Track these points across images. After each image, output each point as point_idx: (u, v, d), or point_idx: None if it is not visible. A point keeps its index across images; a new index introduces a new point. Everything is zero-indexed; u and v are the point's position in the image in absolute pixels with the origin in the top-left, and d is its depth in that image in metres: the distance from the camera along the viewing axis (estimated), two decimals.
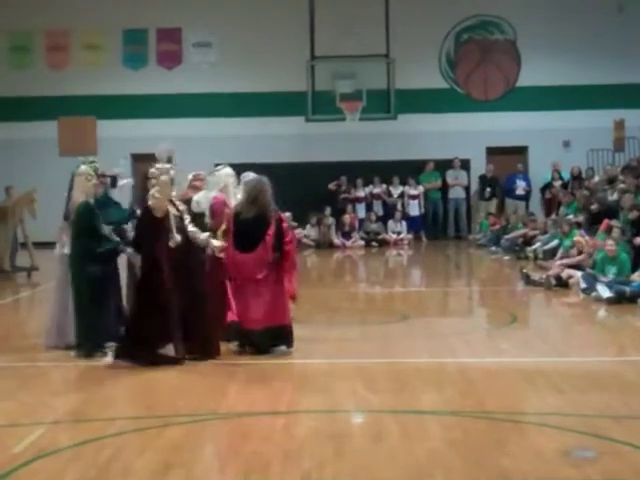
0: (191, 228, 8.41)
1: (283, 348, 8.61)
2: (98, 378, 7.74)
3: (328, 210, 21.66)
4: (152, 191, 8.10)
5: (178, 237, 8.12)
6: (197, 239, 8.43)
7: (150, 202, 8.14)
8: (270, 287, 8.49)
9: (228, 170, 9.24)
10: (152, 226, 8.09)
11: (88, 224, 8.44)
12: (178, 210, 8.32)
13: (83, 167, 8.64)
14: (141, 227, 8.31)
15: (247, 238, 8.44)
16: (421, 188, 22.22)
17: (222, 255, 8.58)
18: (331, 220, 21.68)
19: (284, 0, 22.01)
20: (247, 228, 8.45)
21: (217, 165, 9.68)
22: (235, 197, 8.94)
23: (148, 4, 22.31)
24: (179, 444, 5.94)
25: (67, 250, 8.68)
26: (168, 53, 22.90)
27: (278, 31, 22.02)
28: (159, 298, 7.90)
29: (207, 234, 8.56)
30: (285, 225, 8.68)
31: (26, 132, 21.92)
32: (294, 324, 9.69)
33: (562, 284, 13.04)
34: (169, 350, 7.94)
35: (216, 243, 8.56)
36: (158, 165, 8.37)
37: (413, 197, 22.23)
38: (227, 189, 9.01)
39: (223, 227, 8.64)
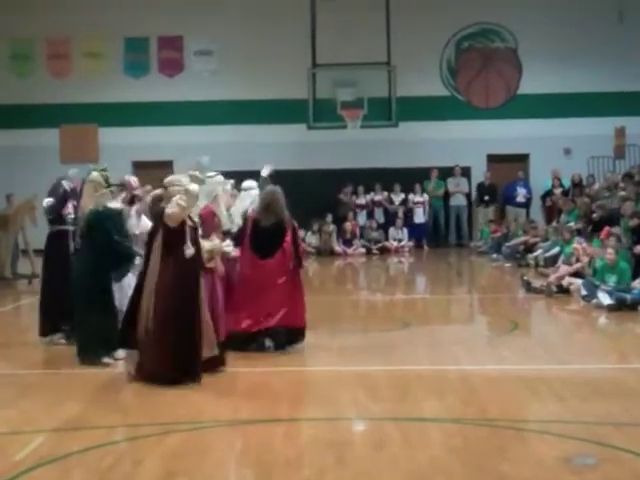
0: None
1: (299, 345, 9.11)
2: (99, 386, 7.74)
3: (329, 217, 21.67)
4: (176, 198, 7.67)
5: (192, 249, 7.68)
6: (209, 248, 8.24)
7: (170, 210, 7.64)
8: (289, 291, 9.00)
9: (219, 178, 8.96)
10: (168, 235, 7.68)
11: (99, 232, 8.28)
12: (193, 222, 7.86)
13: (94, 174, 8.53)
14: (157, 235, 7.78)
15: (266, 244, 8.89)
16: (426, 196, 22.21)
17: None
18: (332, 227, 21.68)
19: (285, 8, 22.04)
20: (266, 235, 8.88)
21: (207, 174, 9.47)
22: (223, 205, 8.85)
23: (149, 12, 22.34)
24: (180, 452, 5.94)
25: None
26: (169, 61, 22.94)
27: (279, 39, 22.06)
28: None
29: (217, 241, 8.30)
30: (299, 233, 9.08)
31: (27, 140, 21.95)
32: None
33: (563, 291, 13.07)
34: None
35: (229, 249, 8.57)
36: (192, 172, 8.28)
37: (418, 204, 22.21)
38: (217, 198, 8.68)
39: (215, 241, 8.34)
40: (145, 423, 6.51)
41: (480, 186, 22.43)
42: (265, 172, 10.21)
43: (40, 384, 7.90)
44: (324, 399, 7.22)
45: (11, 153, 21.92)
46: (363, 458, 5.72)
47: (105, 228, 8.29)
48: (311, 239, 21.52)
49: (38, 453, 5.82)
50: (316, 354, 9.13)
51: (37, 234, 15.58)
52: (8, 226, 15.82)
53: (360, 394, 7.34)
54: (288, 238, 8.99)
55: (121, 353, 8.36)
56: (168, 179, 8.01)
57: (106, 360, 8.42)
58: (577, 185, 20.85)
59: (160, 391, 7.53)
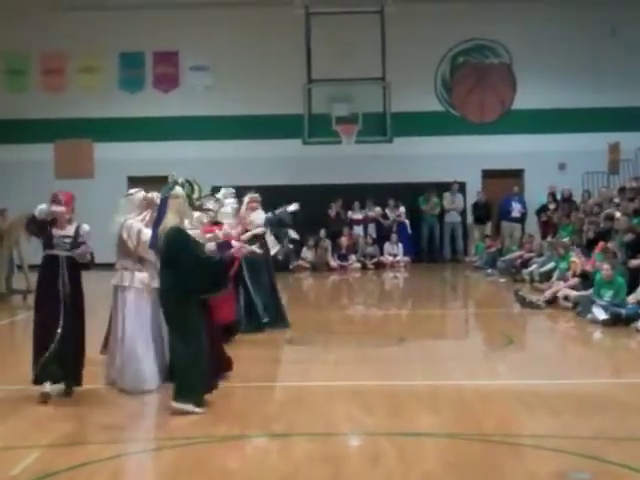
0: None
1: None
2: (92, 402, 7.72)
3: (322, 232, 21.62)
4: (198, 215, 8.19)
5: None
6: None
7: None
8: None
9: (141, 195, 8.46)
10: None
11: (182, 251, 7.22)
12: None
13: (179, 189, 7.57)
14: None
15: None
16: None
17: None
18: (327, 242, 21.69)
19: (281, 23, 22.12)
20: None
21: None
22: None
23: (145, 27, 22.41)
24: (175, 467, 5.92)
25: (155, 283, 7.84)
26: (165, 76, 22.99)
27: (275, 54, 22.14)
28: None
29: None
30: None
31: (22, 155, 21.96)
32: (290, 346, 9.68)
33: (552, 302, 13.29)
34: None
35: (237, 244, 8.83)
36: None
37: (400, 216, 22.20)
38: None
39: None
40: (139, 439, 6.50)
41: (475, 206, 22.45)
42: (292, 208, 12.01)
43: (34, 400, 7.85)
44: (319, 414, 7.21)
45: (5, 168, 21.92)
46: (358, 473, 5.70)
47: (188, 247, 7.30)
48: (307, 254, 21.53)
49: (32, 469, 5.80)
50: (311, 369, 9.12)
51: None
52: (2, 241, 15.79)
53: (355, 409, 7.33)
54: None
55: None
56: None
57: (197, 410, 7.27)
58: (567, 200, 20.91)
59: (153, 406, 7.51)
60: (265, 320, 11.52)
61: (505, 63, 22.88)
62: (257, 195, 12.13)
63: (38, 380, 7.66)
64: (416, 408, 7.35)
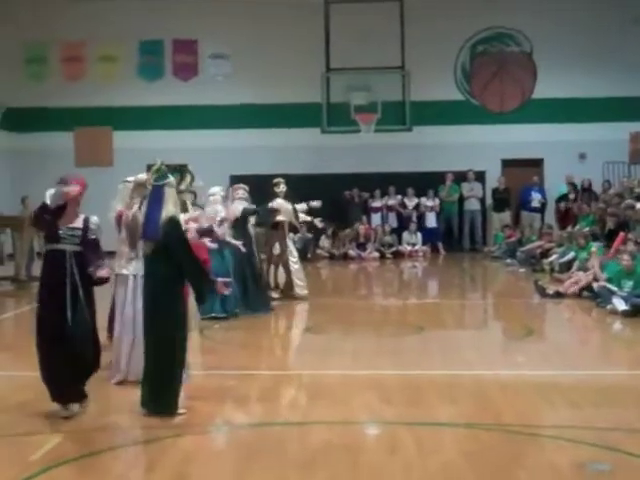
0: None
1: None
2: (111, 389, 7.75)
3: (342, 222, 21.59)
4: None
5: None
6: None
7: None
8: None
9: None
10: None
11: (180, 240, 6.99)
12: None
13: (172, 179, 7.26)
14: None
15: None
16: (437, 200, 22.19)
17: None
18: (347, 231, 21.66)
19: (300, 12, 22.07)
20: None
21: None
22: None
23: (164, 15, 22.40)
24: (192, 455, 5.95)
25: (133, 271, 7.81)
26: (184, 64, 22.98)
27: (293, 43, 22.08)
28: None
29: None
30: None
31: (42, 143, 22.04)
32: (309, 335, 9.67)
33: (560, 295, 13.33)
34: None
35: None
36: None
37: (430, 209, 22.19)
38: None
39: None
40: (157, 426, 6.52)
41: (495, 191, 22.38)
42: (314, 204, 13.21)
43: None
44: (337, 403, 7.21)
45: (26, 156, 22.01)
46: (376, 463, 5.71)
47: (184, 236, 7.09)
48: (324, 243, 21.52)
49: (52, 454, 5.84)
50: (329, 358, 9.12)
51: None
52: (23, 229, 15.88)
53: (373, 398, 7.33)
54: None
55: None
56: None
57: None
58: (586, 190, 20.78)
59: None
60: (236, 310, 11.66)
61: (525, 52, 22.72)
62: (242, 185, 12.75)
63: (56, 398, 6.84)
64: (435, 398, 7.34)
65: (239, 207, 12.21)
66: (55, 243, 6.88)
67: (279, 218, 13.17)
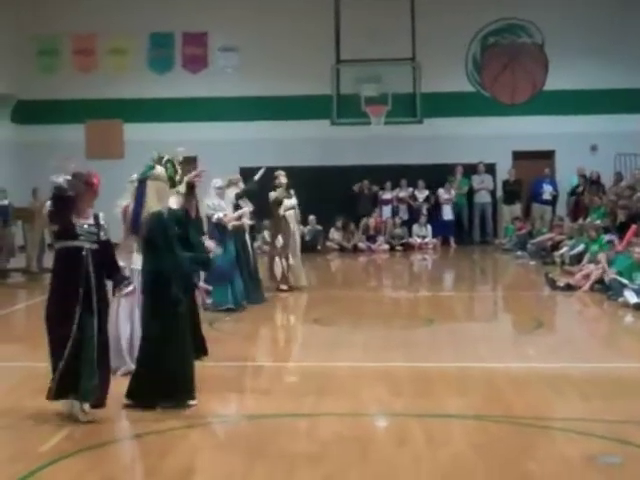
0: None
1: None
2: (118, 380, 7.76)
3: (351, 214, 21.57)
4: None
5: None
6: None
7: None
8: None
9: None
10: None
11: (163, 239, 6.77)
12: None
13: (160, 169, 7.29)
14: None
15: None
16: (453, 192, 22.11)
17: None
18: (363, 221, 21.65)
19: (310, 4, 22.02)
20: None
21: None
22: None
23: (174, 8, 22.40)
24: (203, 445, 5.95)
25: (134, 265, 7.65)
26: (194, 57, 22.98)
27: (303, 35, 22.03)
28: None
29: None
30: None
31: (53, 135, 22.05)
32: (318, 326, 9.67)
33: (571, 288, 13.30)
34: None
35: None
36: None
37: (446, 201, 22.12)
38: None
39: None
40: (168, 417, 6.52)
41: (505, 183, 22.31)
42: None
43: None
44: (347, 395, 7.21)
45: (37, 148, 22.01)
46: (386, 454, 5.70)
47: (167, 235, 6.83)
48: (334, 235, 21.51)
49: (62, 446, 5.85)
50: (339, 350, 9.12)
51: None
52: (34, 220, 15.93)
53: (383, 390, 7.32)
54: None
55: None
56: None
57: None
58: (594, 182, 20.69)
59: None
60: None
61: (537, 43, 22.62)
62: (235, 175, 13.20)
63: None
64: (444, 390, 7.33)
65: (231, 195, 12.29)
66: (71, 240, 6.36)
67: (281, 212, 13.20)
